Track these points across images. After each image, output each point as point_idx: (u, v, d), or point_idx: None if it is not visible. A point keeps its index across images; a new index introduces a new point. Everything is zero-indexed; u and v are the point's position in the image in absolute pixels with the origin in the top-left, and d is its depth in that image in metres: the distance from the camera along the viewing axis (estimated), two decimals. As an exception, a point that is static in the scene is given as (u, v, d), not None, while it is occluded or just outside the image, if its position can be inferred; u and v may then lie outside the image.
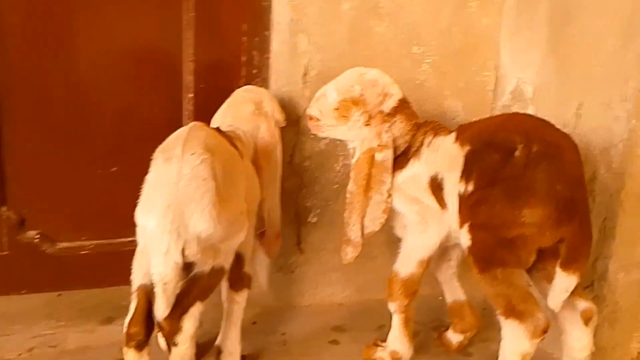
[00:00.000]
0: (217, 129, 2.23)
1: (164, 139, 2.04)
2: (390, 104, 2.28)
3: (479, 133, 2.21)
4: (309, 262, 2.80)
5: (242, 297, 2.30)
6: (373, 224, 2.29)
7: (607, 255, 2.33)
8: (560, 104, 2.48)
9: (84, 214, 2.72)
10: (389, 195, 2.28)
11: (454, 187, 2.19)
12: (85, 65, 2.59)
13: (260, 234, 2.45)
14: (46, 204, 2.67)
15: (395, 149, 2.28)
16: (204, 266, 1.98)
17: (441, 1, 2.68)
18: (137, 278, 2.00)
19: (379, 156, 2.27)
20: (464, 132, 2.25)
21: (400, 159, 2.30)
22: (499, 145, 2.10)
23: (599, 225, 2.32)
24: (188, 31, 2.63)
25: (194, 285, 1.98)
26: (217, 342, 2.34)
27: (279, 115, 2.47)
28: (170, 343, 1.97)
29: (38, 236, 2.68)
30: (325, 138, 2.55)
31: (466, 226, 2.13)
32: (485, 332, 2.57)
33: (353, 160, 2.32)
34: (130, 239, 2.08)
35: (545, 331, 2.08)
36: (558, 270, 2.06)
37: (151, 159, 1.99)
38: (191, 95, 2.68)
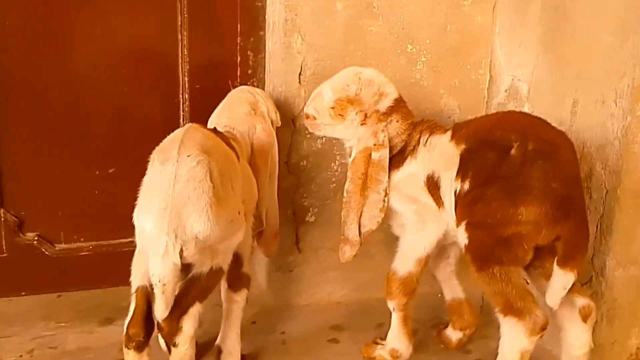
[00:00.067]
0: (214, 130, 2.23)
1: (161, 140, 2.05)
2: (386, 103, 2.28)
3: (474, 131, 2.21)
4: (307, 261, 2.80)
5: (241, 297, 2.31)
6: (370, 222, 2.29)
7: (604, 252, 2.33)
8: (556, 101, 2.48)
9: (82, 215, 2.72)
10: (386, 194, 2.28)
11: (451, 186, 2.20)
12: (82, 66, 2.60)
13: (258, 234, 2.45)
14: (45, 206, 2.68)
15: (391, 148, 2.28)
16: (202, 267, 1.99)
17: (435, 0, 2.68)
18: (136, 279, 2.01)
19: (375, 155, 2.27)
20: (459, 131, 2.25)
21: (397, 158, 2.30)
22: (495, 144, 2.11)
23: (595, 223, 2.32)
24: (183, 32, 2.63)
25: (192, 286, 1.99)
26: (217, 342, 2.34)
27: (275, 115, 2.47)
28: (170, 344, 1.98)
29: (37, 238, 2.68)
30: (321, 137, 2.56)
31: (463, 224, 2.14)
32: (484, 329, 2.56)
33: (350, 160, 2.33)
34: (129, 239, 2.10)
35: (543, 328, 2.08)
36: (555, 267, 2.07)
37: (148, 160, 2.00)
38: (187, 95, 2.69)
